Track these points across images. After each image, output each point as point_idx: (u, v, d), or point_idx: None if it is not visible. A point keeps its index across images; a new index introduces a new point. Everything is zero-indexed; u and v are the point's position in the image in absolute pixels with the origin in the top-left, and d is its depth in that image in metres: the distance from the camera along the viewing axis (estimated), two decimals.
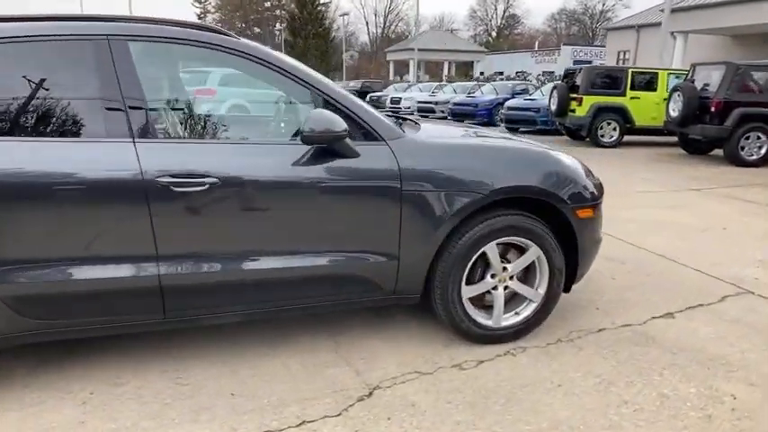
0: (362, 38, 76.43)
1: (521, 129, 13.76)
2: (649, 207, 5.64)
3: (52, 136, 1.95)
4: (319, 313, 2.65)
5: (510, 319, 2.60)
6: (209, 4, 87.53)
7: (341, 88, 2.32)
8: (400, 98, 21.40)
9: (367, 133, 2.27)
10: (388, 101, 22.30)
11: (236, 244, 2.13)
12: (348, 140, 2.17)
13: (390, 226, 2.28)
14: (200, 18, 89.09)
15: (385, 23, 71.59)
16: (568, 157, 2.67)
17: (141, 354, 2.44)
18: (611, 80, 10.60)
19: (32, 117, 1.93)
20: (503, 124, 13.86)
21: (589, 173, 2.74)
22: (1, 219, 1.86)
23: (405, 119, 3.02)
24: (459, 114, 16.07)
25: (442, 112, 17.75)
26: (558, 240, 2.55)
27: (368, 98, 25.14)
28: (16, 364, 2.33)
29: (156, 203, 1.98)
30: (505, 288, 2.56)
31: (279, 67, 2.18)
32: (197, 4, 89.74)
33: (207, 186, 2.01)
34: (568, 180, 2.53)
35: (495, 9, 65.87)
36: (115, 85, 1.98)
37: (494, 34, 65.91)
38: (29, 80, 1.93)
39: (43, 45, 1.96)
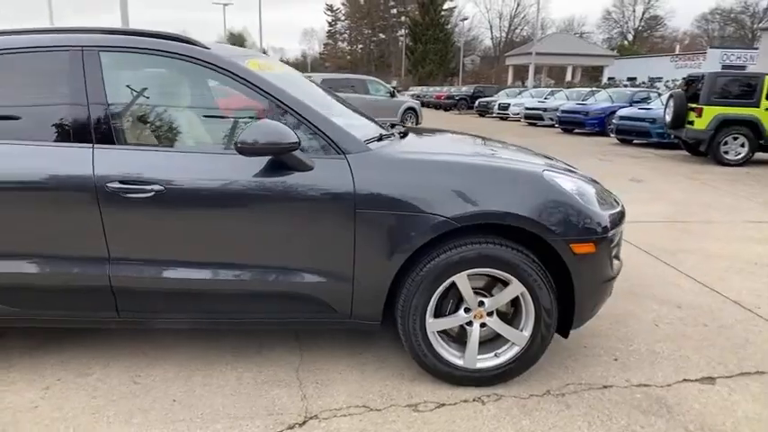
0: (486, 42, 75.06)
1: (634, 141, 12.49)
2: (753, 242, 4.72)
3: (26, 139, 2.11)
4: (273, 329, 2.56)
5: (488, 361, 2.29)
6: (340, 12, 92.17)
7: (306, 98, 2.22)
8: (508, 104, 20.64)
9: (326, 146, 2.14)
10: (496, 107, 21.63)
11: (181, 252, 2.14)
12: (298, 153, 2.06)
13: (343, 246, 2.12)
14: (330, 25, 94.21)
15: (510, 27, 69.61)
16: (571, 181, 2.29)
17: (120, 348, 2.56)
18: (741, 88, 9.13)
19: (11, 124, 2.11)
20: (614, 135, 12.68)
21: (603, 201, 2.33)
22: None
23: (405, 127, 2.83)
24: (568, 123, 15.03)
25: (551, 119, 16.75)
26: (554, 277, 2.20)
27: (477, 103, 24.63)
28: (19, 344, 2.57)
29: (107, 206, 2.05)
30: (483, 325, 2.27)
31: (237, 76, 2.14)
32: (329, 13, 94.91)
33: (152, 193, 2.04)
34: (562, 208, 2.16)
35: (633, 11, 60.66)
36: (83, 93, 2.09)
37: (629, 37, 60.76)
38: (15, 87, 2.12)
39: (29, 56, 2.13)
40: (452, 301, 2.26)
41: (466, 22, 54.63)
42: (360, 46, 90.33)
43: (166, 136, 2.20)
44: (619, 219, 2.37)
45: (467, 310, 2.25)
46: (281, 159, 2.05)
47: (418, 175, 2.14)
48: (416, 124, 14.39)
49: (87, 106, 2.09)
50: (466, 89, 31.25)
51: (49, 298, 2.17)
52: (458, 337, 2.34)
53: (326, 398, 2.22)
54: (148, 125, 2.21)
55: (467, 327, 2.28)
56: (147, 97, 2.24)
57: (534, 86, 29.13)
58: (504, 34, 69.73)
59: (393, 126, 3.07)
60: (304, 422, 2.07)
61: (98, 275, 2.12)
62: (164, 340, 2.62)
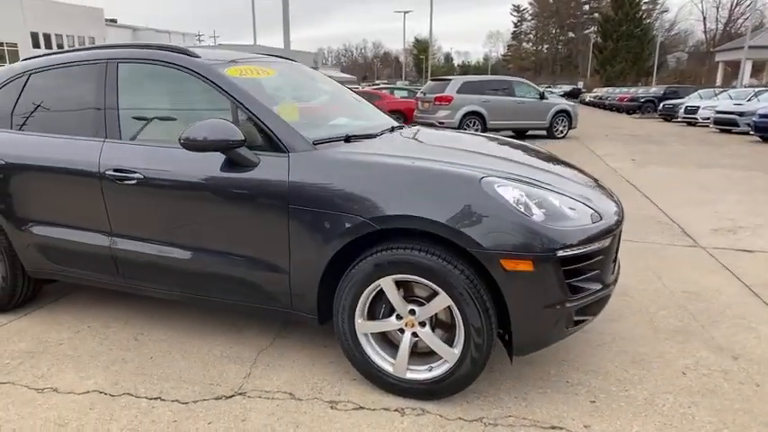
0: (699, 35, 65.22)
1: None
2: None
3: (59, 133, 2.69)
4: (238, 310, 2.72)
5: (420, 374, 2.19)
6: (527, 12, 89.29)
7: (263, 100, 2.37)
8: (697, 107, 17.81)
9: (275, 144, 2.28)
10: (682, 110, 18.84)
11: (156, 231, 2.50)
12: (244, 150, 2.24)
13: (279, 239, 2.25)
14: (516, 26, 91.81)
15: (729, 18, 59.31)
16: (520, 191, 2.03)
17: (139, 312, 3.06)
18: None
19: (52, 121, 2.72)
20: None
21: (562, 216, 2.03)
22: (33, 191, 2.70)
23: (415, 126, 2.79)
24: (764, 129, 12.39)
25: (747, 125, 13.98)
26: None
27: (661, 106, 21.77)
28: (77, 300, 3.27)
29: (107, 190, 2.51)
30: (416, 335, 2.17)
31: (208, 79, 2.40)
32: (515, 13, 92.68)
33: (135, 181, 2.43)
34: (494, 219, 1.95)
35: None
36: (103, 97, 2.59)
37: None
38: (63, 96, 2.73)
39: (75, 68, 2.72)
40: (386, 305, 2.21)
41: (670, 15, 48.20)
42: (545, 46, 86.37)
43: (150, 133, 2.57)
44: (591, 238, 2.03)
45: (399, 317, 2.18)
46: (227, 155, 2.26)
47: (346, 176, 2.15)
48: (569, 129, 13.37)
49: (104, 108, 2.59)
50: (655, 90, 27.68)
51: (78, 260, 2.74)
52: (396, 344, 2.27)
53: (265, 380, 2.37)
54: (141, 123, 2.60)
55: (400, 334, 2.20)
56: (146, 100, 2.66)
57: (750, 86, 24.43)
58: (720, 25, 59.75)
59: (400, 127, 3.05)
60: (230, 396, 2.25)
61: (104, 246, 2.61)
62: (171, 311, 3.05)
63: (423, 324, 2.15)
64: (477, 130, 12.31)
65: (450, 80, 12.57)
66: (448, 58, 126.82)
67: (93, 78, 2.65)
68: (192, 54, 2.54)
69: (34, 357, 2.57)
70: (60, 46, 38.36)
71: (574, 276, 2.03)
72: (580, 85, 52.24)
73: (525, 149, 2.94)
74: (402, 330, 2.19)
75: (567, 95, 47.18)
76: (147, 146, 2.49)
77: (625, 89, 33.42)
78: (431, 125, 12.53)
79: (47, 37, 37.82)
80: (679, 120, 19.15)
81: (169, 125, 2.58)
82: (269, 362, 2.53)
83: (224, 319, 2.94)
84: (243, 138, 2.21)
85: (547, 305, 1.99)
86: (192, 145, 2.19)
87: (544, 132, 13.38)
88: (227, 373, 2.43)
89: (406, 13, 44.03)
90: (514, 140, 3.32)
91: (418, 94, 14.29)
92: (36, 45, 36.23)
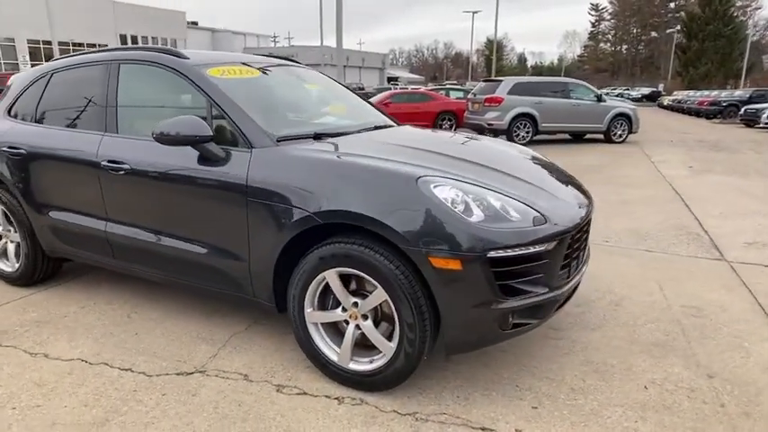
0: None
1: None
2: None
3: (70, 126, 3.00)
4: (213, 296, 2.84)
5: (362, 365, 2.26)
6: (606, 11, 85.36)
7: (236, 98, 2.51)
8: None
9: (241, 140, 2.43)
10: (765, 115, 17.36)
11: (139, 217, 2.73)
12: (211, 144, 2.41)
13: (240, 230, 2.39)
14: (593, 26, 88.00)
15: None
16: (457, 191, 2.05)
17: (139, 292, 3.33)
18: None
19: (72, 115, 3.03)
20: None
21: (500, 218, 2.02)
22: (50, 180, 3.04)
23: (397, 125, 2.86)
24: None
25: None
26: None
27: (743, 110, 20.12)
28: (87, 278, 3.60)
29: (103, 179, 2.78)
30: (358, 327, 2.24)
31: (189, 78, 2.59)
32: (593, 13, 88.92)
33: (123, 172, 2.67)
34: (426, 217, 1.98)
35: None
36: (105, 94, 2.86)
37: None
38: (76, 93, 3.04)
39: (86, 68, 3.02)
40: (334, 297, 2.29)
41: (765, 12, 44.26)
42: (624, 47, 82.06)
43: (141, 127, 2.79)
44: (530, 241, 2.01)
45: (345, 309, 2.26)
46: (197, 149, 2.44)
47: (297, 172, 2.25)
48: (629, 133, 12.70)
49: (105, 105, 2.86)
50: (741, 93, 25.57)
51: (83, 242, 3.04)
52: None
53: (227, 361, 2.53)
54: (133, 119, 2.84)
55: (346, 325, 2.28)
56: (139, 97, 2.89)
57: None
58: None
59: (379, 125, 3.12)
60: (191, 373, 2.43)
61: (101, 230, 2.88)
62: (166, 293, 3.29)
63: (365, 317, 2.22)
64: (528, 132, 12.01)
65: (502, 81, 12.32)
66: (521, 58, 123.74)
67: (100, 77, 2.93)
68: (180, 56, 2.75)
69: (39, 326, 2.89)
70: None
71: (509, 278, 2.02)
72: (660, 87, 49.21)
73: (501, 152, 2.92)
74: (347, 322, 2.27)
75: (646, 98, 44.62)
76: (136, 139, 2.72)
77: (707, 92, 31.11)
78: (479, 128, 12.39)
79: (134, 39, 41.01)
80: (761, 126, 17.61)
81: (157, 120, 2.80)
82: (237, 345, 2.69)
83: (212, 304, 3.14)
84: (211, 133, 2.38)
85: (475, 305, 2.00)
86: (164, 139, 2.39)
87: (601, 136, 12.82)
88: (196, 353, 2.62)
89: (474, 13, 43.52)
90: (500, 143, 3.30)
91: (469, 95, 14.14)
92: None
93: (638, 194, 6.56)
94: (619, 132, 12.62)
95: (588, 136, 13.33)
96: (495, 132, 12.40)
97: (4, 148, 3.18)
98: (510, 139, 11.93)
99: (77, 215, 2.99)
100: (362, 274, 2.12)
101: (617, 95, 53.08)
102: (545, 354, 2.62)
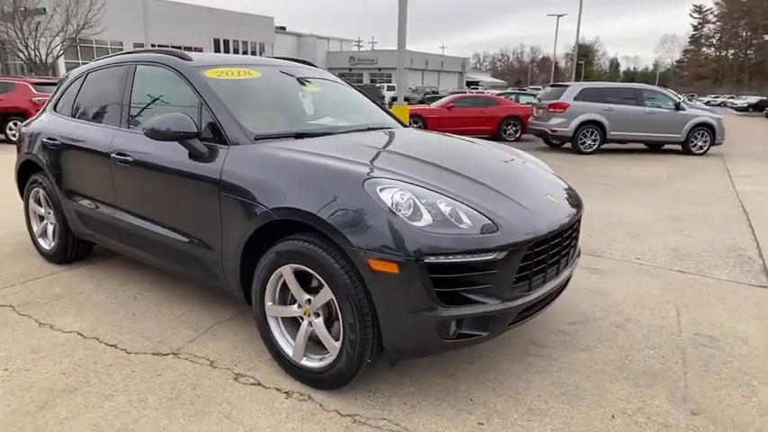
0: None
1: None
2: None
3: (95, 120, 3.28)
4: (197, 283, 2.93)
5: (313, 362, 2.28)
6: (710, 13, 78.99)
7: (225, 97, 2.64)
8: None
9: (222, 138, 2.55)
10: None
11: (139, 205, 2.94)
12: (195, 141, 2.54)
13: (215, 222, 2.50)
14: (695, 29, 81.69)
15: None
16: (399, 194, 2.01)
17: (148, 276, 3.57)
18: None
19: (96, 111, 3.33)
20: None
21: (448, 224, 1.96)
22: (72, 168, 3.35)
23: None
24: None
25: None
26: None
27: None
28: (107, 260, 3.91)
29: (112, 169, 3.02)
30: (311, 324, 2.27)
31: (186, 78, 2.76)
32: (695, 15, 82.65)
33: (128, 164, 2.89)
34: (367, 218, 1.97)
35: None
36: (122, 92, 3.12)
37: None
38: (103, 91, 3.33)
39: (111, 69, 3.30)
40: (290, 292, 2.34)
41: None
42: (731, 51, 75.14)
43: (143, 123, 3.00)
44: (474, 249, 1.94)
45: (300, 306, 2.30)
46: (182, 145, 2.59)
47: (263, 169, 2.32)
48: (711, 144, 11.64)
49: (122, 103, 3.11)
50: None
51: (100, 227, 3.32)
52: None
53: (202, 346, 2.66)
54: (142, 115, 3.06)
55: (301, 321, 2.32)
56: (149, 95, 3.10)
57: None
58: None
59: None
60: (166, 354, 2.58)
61: (111, 216, 3.14)
62: (174, 279, 3.49)
63: (318, 314, 2.24)
64: (595, 140, 11.38)
65: (568, 86, 11.76)
66: (613, 63, 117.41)
67: (121, 77, 3.19)
68: (185, 58, 2.93)
69: (57, 300, 3.20)
70: (236, 50, 44.10)
71: (450, 285, 1.96)
72: None
73: (480, 157, 2.84)
74: (302, 318, 2.30)
75: (752, 108, 40.49)
76: (139, 134, 2.93)
77: None
78: (543, 134, 11.93)
79: (226, 42, 43.79)
80: None
81: (154, 116, 3.01)
82: (217, 332, 2.81)
83: (208, 293, 3.29)
84: (195, 130, 2.51)
85: (412, 310, 1.95)
86: (153, 134, 2.55)
87: (679, 147, 11.86)
88: (177, 336, 2.77)
89: (560, 16, 41.85)
90: (489, 146, 3.19)
91: (533, 100, 13.64)
92: (217, 50, 42.18)
93: (696, 211, 6.01)
94: (699, 144, 11.60)
95: (666, 147, 12.39)
96: (559, 139, 11.90)
97: (45, 139, 3.55)
98: (575, 146, 11.38)
99: (95, 201, 3.27)
100: (312, 271, 2.14)
101: (719, 104, 48.68)
102: (516, 370, 2.50)
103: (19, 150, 3.87)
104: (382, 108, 3.68)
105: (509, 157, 2.93)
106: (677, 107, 11.53)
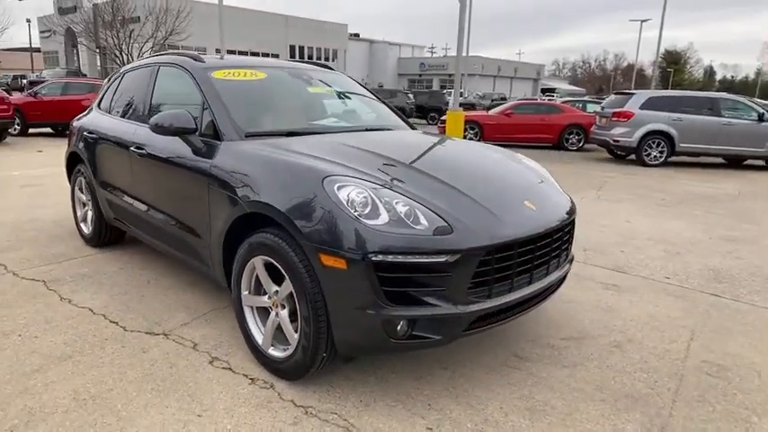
0: None
1: None
2: None
3: (124, 116, 3.57)
4: (194, 270, 3.07)
5: (278, 351, 2.35)
6: None
7: (224, 96, 2.80)
8: None
9: (217, 134, 2.70)
10: None
11: (149, 194, 3.16)
12: (193, 136, 2.71)
13: (203, 212, 2.65)
14: None
15: None
16: (355, 192, 2.04)
17: (162, 263, 3.80)
18: None
19: (126, 107, 3.62)
20: None
21: (401, 223, 1.97)
22: (103, 159, 3.66)
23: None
24: None
25: None
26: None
27: None
28: (125, 247, 4.20)
29: (132, 161, 3.27)
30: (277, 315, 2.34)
31: (194, 77, 2.95)
32: None
33: (143, 156, 3.13)
34: (322, 214, 2.01)
35: None
36: (145, 91, 3.37)
37: None
38: (133, 89, 3.62)
39: (140, 71, 3.58)
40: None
41: None
42: None
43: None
44: (423, 250, 1.92)
45: (270, 297, 2.37)
46: (182, 139, 2.76)
47: (244, 165, 2.43)
48: None
49: (144, 100, 3.37)
50: None
51: (124, 214, 3.60)
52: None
53: (192, 330, 2.81)
54: (156, 111, 3.27)
55: (270, 311, 2.39)
56: (166, 94, 3.32)
57: None
58: None
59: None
60: (158, 334, 2.76)
61: (130, 204, 3.40)
62: (186, 268, 3.70)
63: (283, 306, 2.31)
64: (661, 152, 10.66)
65: (634, 94, 11.11)
66: (707, 71, 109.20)
67: (147, 77, 3.46)
68: (197, 59, 3.12)
69: (82, 279, 3.51)
70: (310, 57, 45.72)
71: (398, 285, 1.95)
72: None
73: (461, 159, 2.80)
74: (271, 308, 2.38)
75: None
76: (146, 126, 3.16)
77: None
78: (605, 144, 11.35)
79: (301, 49, 45.54)
80: None
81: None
82: (210, 318, 2.96)
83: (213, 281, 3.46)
84: (194, 126, 2.69)
85: (358, 307, 1.97)
86: (157, 129, 2.75)
87: (762, 162, 10.84)
88: (173, 319, 2.95)
89: (643, 21, 39.53)
90: (480, 148, 3.14)
91: (597, 109, 13.01)
92: (292, 56, 43.96)
93: (756, 232, 5.49)
94: None
95: (749, 162, 11.37)
96: (622, 150, 11.27)
97: (85, 133, 3.91)
98: (639, 158, 10.73)
99: (120, 190, 3.56)
100: (276, 263, 2.22)
101: None
102: (487, 380, 2.43)
103: (69, 144, 4.28)
104: (394, 111, 3.70)
105: (498, 161, 2.86)
106: (761, 118, 10.55)
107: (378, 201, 2.04)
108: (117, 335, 2.74)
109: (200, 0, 33.94)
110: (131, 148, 3.25)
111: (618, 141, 10.89)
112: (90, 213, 4.14)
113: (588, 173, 9.67)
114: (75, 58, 38.80)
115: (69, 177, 4.37)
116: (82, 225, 4.26)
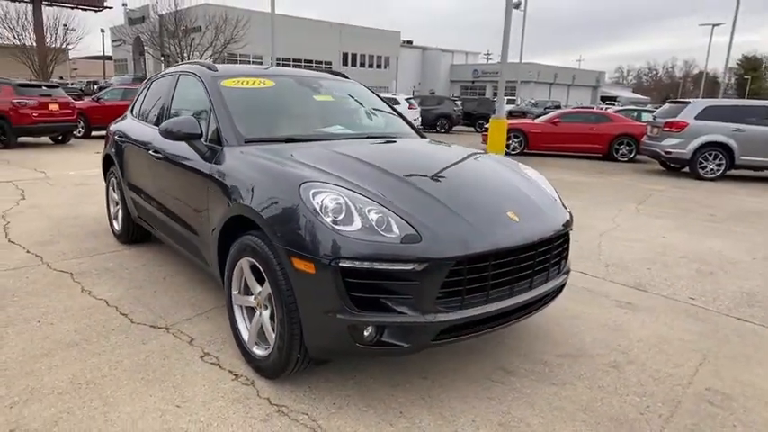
0: None
1: None
2: None
3: (148, 122, 3.79)
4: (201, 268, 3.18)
5: (260, 350, 2.42)
6: None
7: (230, 103, 2.93)
8: None
9: (219, 139, 2.82)
10: None
11: (163, 191, 3.34)
12: (198, 141, 2.86)
13: (203, 213, 2.78)
14: None
15: None
16: (330, 198, 2.08)
17: (175, 260, 3.97)
18: None
19: (149, 113, 3.85)
20: None
21: (372, 231, 1.99)
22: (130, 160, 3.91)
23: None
24: None
25: None
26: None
27: None
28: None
29: (151, 163, 3.47)
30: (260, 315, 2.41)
31: (204, 85, 3.10)
32: None
33: (161, 158, 3.31)
34: (296, 219, 2.07)
35: None
36: (166, 97, 3.58)
37: None
38: (157, 96, 3.84)
39: (166, 78, 3.80)
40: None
41: None
42: None
43: None
44: (389, 257, 1.94)
45: (255, 297, 2.45)
46: (189, 144, 2.91)
47: (236, 169, 2.53)
48: None
49: (165, 106, 3.57)
50: None
51: (145, 213, 3.82)
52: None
53: (192, 326, 2.94)
54: (170, 116, 3.46)
55: (255, 311, 2.47)
56: (183, 100, 3.49)
57: None
58: None
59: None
60: (160, 327, 2.91)
61: (149, 204, 3.60)
62: (188, 266, 3.87)
63: (266, 307, 2.38)
64: (719, 165, 10.02)
65: (689, 103, 10.52)
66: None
67: (169, 84, 3.67)
68: (211, 68, 3.28)
69: (106, 272, 3.75)
70: (362, 64, 46.42)
71: (364, 291, 1.97)
72: None
73: (457, 168, 2.79)
74: (257, 308, 2.46)
75: None
76: None
77: None
78: (656, 155, 10.81)
79: (353, 56, 46.37)
80: None
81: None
82: (211, 316, 3.09)
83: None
84: (200, 132, 2.84)
85: (325, 311, 2.00)
86: (166, 135, 2.90)
87: None
88: (178, 314, 3.10)
89: (714, 26, 37.35)
90: (481, 159, 3.07)
91: (649, 118, 12.40)
92: (344, 63, 44.83)
93: None
94: None
95: None
96: (674, 162, 10.71)
97: (116, 137, 4.19)
98: (694, 171, 10.15)
99: (141, 191, 3.78)
100: (258, 265, 2.29)
101: None
102: (465, 392, 2.39)
103: (105, 147, 4.58)
104: (405, 120, 3.73)
105: (493, 171, 2.82)
106: None
107: (352, 207, 2.08)
108: (123, 326, 2.91)
109: (257, 9, 35.30)
110: (150, 152, 3.46)
111: (669, 153, 10.36)
112: (120, 212, 4.42)
113: (633, 185, 9.25)
114: (143, 66, 41.30)
115: (105, 177, 4.68)
116: (114, 222, 4.54)
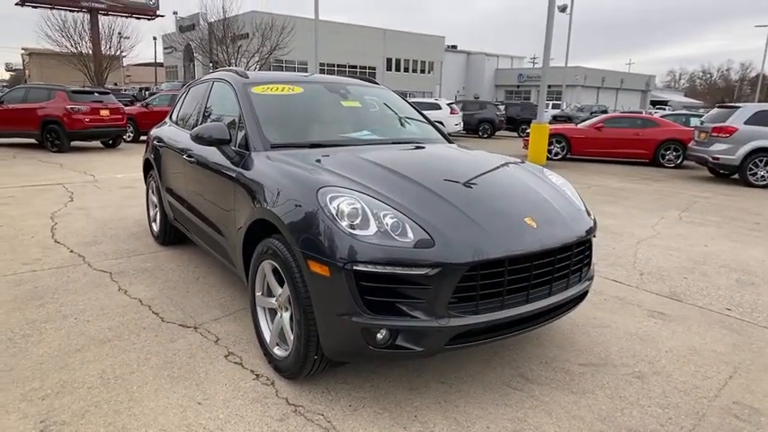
0: None
1: None
2: None
3: (184, 127, 3.95)
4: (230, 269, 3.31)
5: (281, 351, 2.49)
6: None
7: (259, 110, 3.03)
8: None
9: (248, 144, 2.92)
10: None
11: (195, 194, 3.47)
12: (227, 146, 2.97)
13: (230, 216, 2.88)
14: None
15: None
16: (346, 203, 2.12)
17: (202, 258, 4.12)
18: None
19: (185, 118, 4.01)
20: None
21: (387, 236, 2.03)
22: (168, 165, 4.08)
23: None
24: None
25: None
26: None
27: None
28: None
29: (185, 166, 3.62)
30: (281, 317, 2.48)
31: (235, 92, 3.21)
32: None
33: (193, 162, 3.45)
34: (313, 223, 2.12)
35: None
36: (201, 102, 3.73)
37: None
38: (193, 102, 4.00)
39: (201, 85, 3.95)
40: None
41: None
42: None
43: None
44: (403, 261, 1.97)
45: (277, 299, 2.52)
46: (219, 149, 3.03)
47: (264, 174, 2.61)
48: None
49: (199, 112, 3.72)
50: None
51: (180, 216, 3.97)
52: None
53: (218, 326, 3.04)
54: (203, 121, 3.59)
55: (278, 312, 2.54)
56: (216, 105, 3.62)
57: None
58: None
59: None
60: (188, 327, 3.02)
61: (184, 207, 3.75)
62: (221, 268, 3.99)
63: (286, 309, 2.44)
64: None
65: (739, 107, 10.03)
66: None
67: (203, 91, 3.82)
68: (243, 75, 3.40)
69: (143, 273, 3.92)
70: (406, 69, 46.57)
71: (377, 294, 2.00)
72: None
73: (478, 174, 2.77)
74: (278, 310, 2.52)
75: None
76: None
77: None
78: (703, 161, 10.36)
79: (397, 61, 46.60)
80: None
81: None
82: (239, 317, 3.18)
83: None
84: (228, 137, 2.95)
85: (340, 314, 2.04)
86: (197, 140, 3.03)
87: None
88: (207, 314, 3.21)
89: None
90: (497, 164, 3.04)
91: (696, 123, 11.89)
92: (389, 68, 45.10)
93: None
94: None
95: None
96: (723, 168, 10.23)
97: (155, 142, 4.39)
98: (743, 178, 9.68)
99: (176, 193, 3.95)
100: (279, 268, 2.36)
101: None
102: (483, 398, 2.38)
103: (145, 151, 4.81)
104: (433, 125, 3.75)
105: (514, 177, 2.80)
106: None
107: (369, 212, 2.11)
108: (154, 325, 3.04)
109: (303, 16, 36.05)
110: (184, 156, 3.61)
111: (717, 159, 9.91)
112: (158, 214, 4.62)
113: (678, 192, 8.90)
114: (192, 72, 42.87)
115: (145, 181, 4.90)
116: (153, 224, 4.75)
